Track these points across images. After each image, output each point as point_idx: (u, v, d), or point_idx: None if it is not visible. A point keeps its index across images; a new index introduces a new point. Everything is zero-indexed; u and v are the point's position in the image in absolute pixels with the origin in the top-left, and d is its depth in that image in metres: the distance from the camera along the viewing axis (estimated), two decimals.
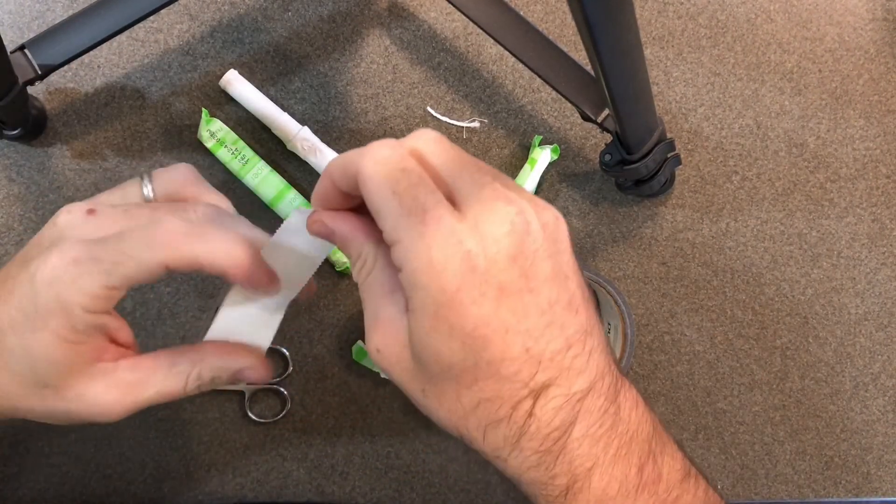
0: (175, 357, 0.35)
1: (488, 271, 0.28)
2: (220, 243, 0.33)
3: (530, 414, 0.29)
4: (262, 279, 0.35)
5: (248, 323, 0.38)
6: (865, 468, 0.68)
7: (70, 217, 0.34)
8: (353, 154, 0.30)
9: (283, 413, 0.63)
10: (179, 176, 0.38)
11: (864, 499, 0.68)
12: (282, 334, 0.65)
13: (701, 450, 0.67)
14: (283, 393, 0.64)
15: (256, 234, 0.36)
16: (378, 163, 0.29)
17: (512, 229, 0.28)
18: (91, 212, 0.34)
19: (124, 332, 0.35)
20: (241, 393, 0.64)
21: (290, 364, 0.64)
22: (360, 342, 0.64)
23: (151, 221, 0.33)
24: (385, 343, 0.30)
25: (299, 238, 0.35)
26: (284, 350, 0.64)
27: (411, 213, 0.28)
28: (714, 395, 0.67)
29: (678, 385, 0.67)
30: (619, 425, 0.31)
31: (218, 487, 0.64)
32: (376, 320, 0.31)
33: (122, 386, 0.34)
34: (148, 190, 0.38)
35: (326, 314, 0.65)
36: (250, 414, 0.63)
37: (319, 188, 0.33)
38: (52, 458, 0.64)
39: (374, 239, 0.31)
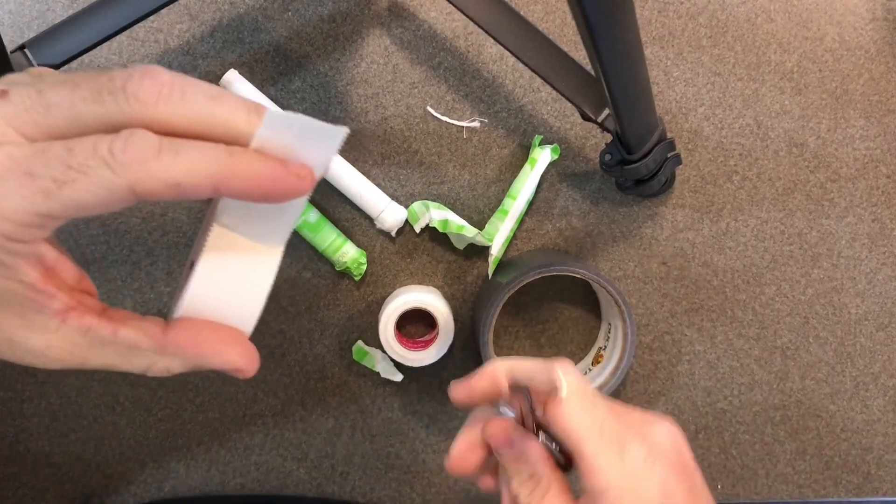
0: (142, 338, 0.27)
1: (674, 487, 0.32)
2: (210, 159, 0.25)
3: None
4: (283, 184, 0.26)
5: (234, 283, 0.29)
6: (866, 468, 0.68)
7: None
8: (542, 370, 0.35)
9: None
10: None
11: (865, 499, 0.68)
12: (281, 335, 0.65)
13: (701, 450, 0.67)
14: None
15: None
16: (578, 391, 0.33)
17: (677, 447, 0.34)
18: (3, 95, 0.24)
19: (66, 267, 0.27)
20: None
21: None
22: (360, 342, 0.64)
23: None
24: None
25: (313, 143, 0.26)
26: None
27: (612, 444, 0.32)
28: (714, 394, 0.67)
29: (678, 385, 0.67)
30: None
31: (218, 487, 0.64)
32: None
33: (67, 346, 0.27)
34: None
35: (326, 314, 0.65)
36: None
37: (480, 384, 0.36)
38: (52, 458, 0.64)
39: (551, 464, 0.34)
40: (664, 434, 0.34)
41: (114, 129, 0.24)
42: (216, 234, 0.29)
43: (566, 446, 0.33)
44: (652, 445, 0.33)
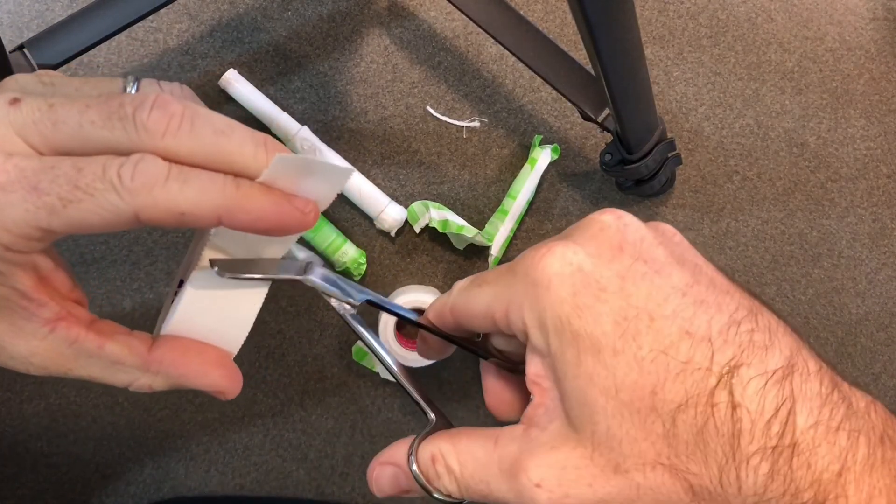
0: (127, 355, 0.27)
1: (595, 268, 0.26)
2: (216, 190, 0.25)
3: (733, 405, 0.23)
4: (287, 220, 0.26)
5: (223, 305, 0.29)
6: None
7: None
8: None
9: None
10: (175, 91, 0.31)
11: None
12: (281, 335, 0.65)
13: None
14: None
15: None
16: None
17: (602, 226, 0.27)
18: (15, 103, 0.24)
19: (60, 276, 0.27)
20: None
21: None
22: (359, 342, 0.64)
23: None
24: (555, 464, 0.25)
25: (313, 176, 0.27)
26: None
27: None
28: None
29: None
30: (857, 420, 0.24)
31: (218, 487, 0.64)
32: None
33: (52, 355, 0.27)
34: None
35: (326, 314, 0.65)
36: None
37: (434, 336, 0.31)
38: (51, 458, 0.64)
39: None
40: (591, 222, 0.28)
41: (120, 153, 0.24)
42: (208, 255, 0.29)
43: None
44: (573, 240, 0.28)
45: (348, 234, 0.64)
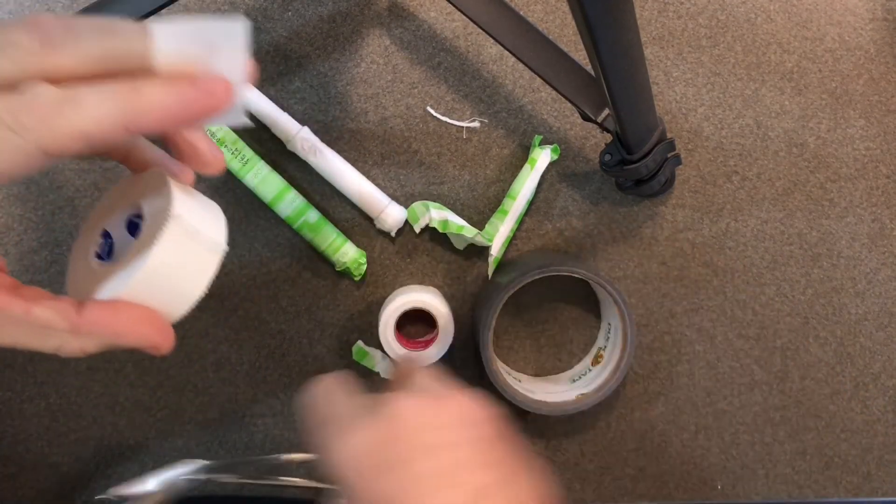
0: (56, 319, 0.26)
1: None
2: (114, 101, 0.23)
3: None
4: (198, 105, 0.25)
5: (175, 275, 0.29)
6: (866, 468, 0.68)
7: None
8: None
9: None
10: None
11: (865, 499, 0.68)
12: (281, 335, 0.65)
13: (701, 450, 0.67)
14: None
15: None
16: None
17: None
18: None
19: None
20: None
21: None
22: (360, 342, 0.64)
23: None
24: None
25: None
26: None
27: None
28: (714, 395, 0.67)
29: (678, 385, 0.67)
30: None
31: (218, 488, 0.64)
32: None
33: None
34: None
35: (326, 314, 0.65)
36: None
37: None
38: (51, 458, 0.64)
39: None
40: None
41: (10, 83, 0.23)
42: (172, 226, 0.28)
43: None
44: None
45: (348, 234, 0.64)
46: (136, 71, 0.24)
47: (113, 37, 0.24)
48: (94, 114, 0.23)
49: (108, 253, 0.31)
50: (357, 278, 0.64)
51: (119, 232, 0.31)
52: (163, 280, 0.28)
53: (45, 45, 0.23)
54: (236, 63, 0.25)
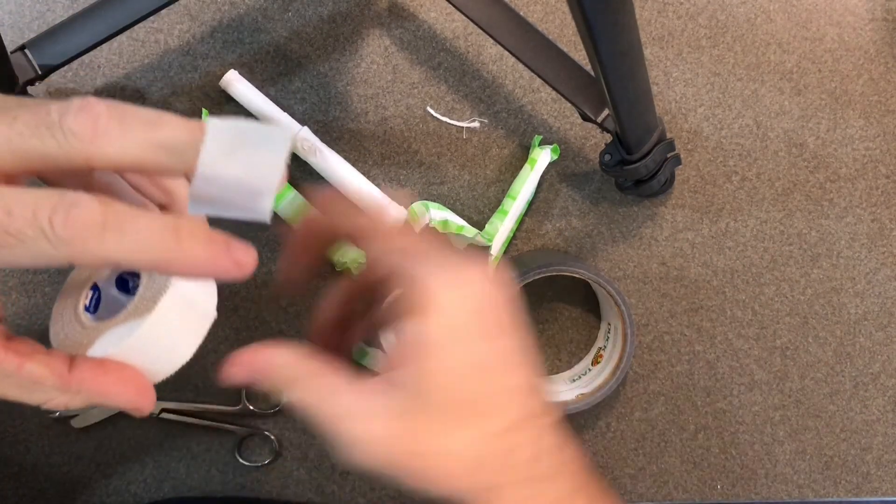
0: (47, 375, 0.26)
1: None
2: (154, 242, 0.24)
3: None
4: (223, 271, 0.26)
5: (165, 343, 0.30)
6: (865, 468, 0.68)
7: None
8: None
9: (273, 458, 0.64)
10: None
11: (864, 499, 0.68)
12: (282, 336, 0.65)
13: (701, 450, 0.67)
14: (271, 438, 0.64)
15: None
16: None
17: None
18: None
19: None
20: (232, 434, 0.64)
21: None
22: (359, 342, 0.64)
23: None
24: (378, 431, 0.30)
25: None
26: None
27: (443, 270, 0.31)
28: (714, 394, 0.67)
29: (678, 385, 0.67)
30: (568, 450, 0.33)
31: (219, 487, 0.64)
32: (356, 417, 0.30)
33: None
34: None
35: None
36: (239, 458, 0.64)
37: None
38: (51, 458, 0.64)
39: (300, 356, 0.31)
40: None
41: (55, 166, 0.24)
42: (171, 294, 0.29)
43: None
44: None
45: None
46: (177, 167, 0.25)
47: (159, 129, 0.24)
48: (132, 249, 0.24)
49: (94, 306, 0.31)
50: None
51: (108, 287, 0.32)
52: (155, 345, 0.29)
53: (95, 134, 0.23)
54: (274, 169, 0.26)
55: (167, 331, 0.29)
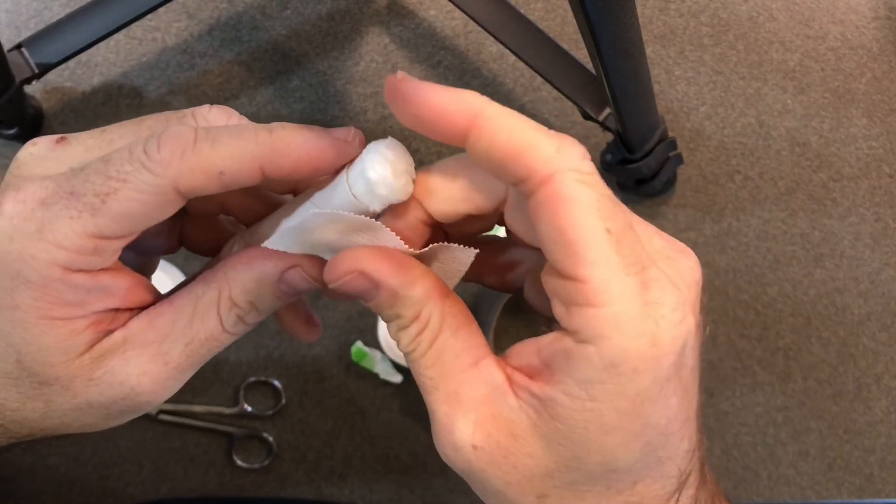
0: (196, 287, 0.25)
1: (687, 357, 0.22)
2: (249, 140, 0.23)
3: None
4: (331, 152, 0.24)
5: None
6: (868, 470, 0.67)
7: (35, 149, 0.24)
8: (528, 138, 0.20)
9: (270, 460, 0.63)
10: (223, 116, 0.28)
11: (867, 500, 0.68)
12: (280, 336, 0.65)
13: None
14: (268, 440, 0.63)
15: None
16: (587, 177, 0.20)
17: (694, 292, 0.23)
18: (63, 140, 0.24)
19: (139, 291, 0.24)
20: (229, 435, 0.63)
21: (283, 397, 0.63)
22: (358, 343, 0.64)
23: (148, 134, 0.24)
24: (486, 434, 0.22)
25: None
26: (276, 382, 0.63)
27: (629, 268, 0.20)
28: (716, 395, 0.67)
29: None
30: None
31: (217, 489, 0.64)
32: (459, 402, 0.22)
33: (144, 354, 0.24)
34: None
35: (326, 314, 0.65)
36: (236, 459, 0.63)
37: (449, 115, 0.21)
38: (50, 459, 0.63)
39: (438, 293, 0.23)
40: (689, 272, 0.23)
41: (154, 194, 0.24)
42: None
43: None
44: (682, 289, 0.22)
45: None
46: None
47: (276, 136, 0.25)
48: (229, 151, 0.23)
49: None
50: None
51: None
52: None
53: (184, 154, 0.24)
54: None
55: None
